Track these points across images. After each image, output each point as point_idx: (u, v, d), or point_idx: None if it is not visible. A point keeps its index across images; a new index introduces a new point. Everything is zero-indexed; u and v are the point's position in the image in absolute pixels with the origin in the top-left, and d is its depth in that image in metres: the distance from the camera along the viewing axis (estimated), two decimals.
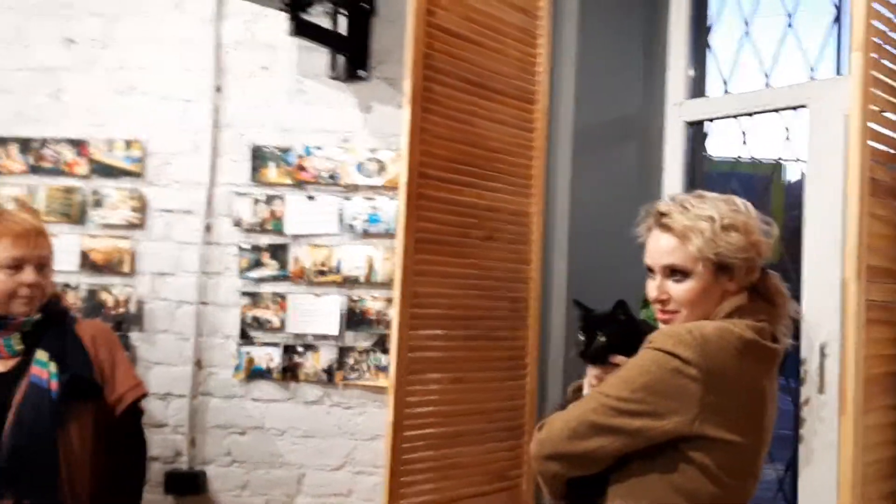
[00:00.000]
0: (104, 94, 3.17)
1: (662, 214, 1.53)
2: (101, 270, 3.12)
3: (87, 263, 3.12)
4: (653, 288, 1.54)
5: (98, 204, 3.14)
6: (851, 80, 1.72)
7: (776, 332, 1.49)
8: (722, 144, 3.53)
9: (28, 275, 1.95)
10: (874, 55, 1.78)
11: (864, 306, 1.69)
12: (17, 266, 1.95)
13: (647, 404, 1.40)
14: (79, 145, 3.16)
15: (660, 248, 1.52)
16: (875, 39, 1.78)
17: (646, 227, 1.57)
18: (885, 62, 1.85)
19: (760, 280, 1.53)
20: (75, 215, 3.14)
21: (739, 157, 3.40)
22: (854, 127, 1.70)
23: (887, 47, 1.86)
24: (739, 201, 1.53)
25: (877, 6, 1.80)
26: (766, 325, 1.47)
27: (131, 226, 3.13)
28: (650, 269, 1.55)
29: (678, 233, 1.49)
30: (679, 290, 1.50)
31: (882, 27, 1.81)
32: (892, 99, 1.87)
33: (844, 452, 1.68)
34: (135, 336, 3.10)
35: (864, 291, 1.69)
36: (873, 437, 1.75)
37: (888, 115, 1.88)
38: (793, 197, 3.81)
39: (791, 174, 4.23)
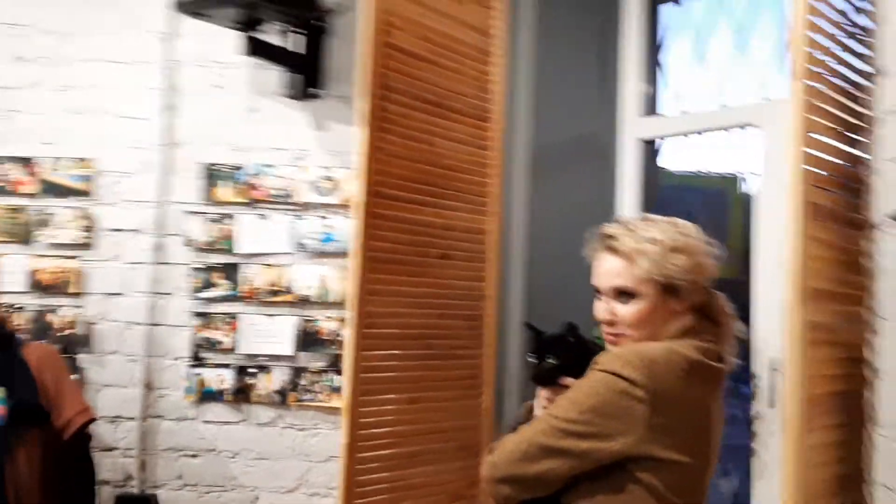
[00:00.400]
0: (54, 113, 3.13)
1: (609, 237, 1.54)
2: (49, 291, 3.07)
3: (35, 284, 3.06)
4: (600, 309, 1.55)
5: (46, 223, 3.09)
6: (791, 108, 1.75)
7: (722, 351, 1.51)
8: (680, 159, 3.60)
9: None
10: (814, 83, 1.81)
11: (806, 328, 1.71)
12: None
13: (595, 426, 1.40)
14: (27, 164, 3.10)
15: (607, 270, 1.53)
16: (814, 68, 1.81)
17: (592, 250, 1.58)
18: (825, 90, 1.88)
19: (706, 300, 1.54)
20: (23, 235, 3.09)
21: (699, 171, 3.45)
22: (793, 153, 1.73)
23: (827, 75, 1.89)
24: (684, 223, 1.55)
25: (815, 35, 1.83)
26: (712, 345, 1.49)
27: (80, 246, 3.08)
28: (598, 291, 1.56)
29: (625, 255, 1.50)
30: (626, 311, 1.51)
31: (822, 56, 1.84)
32: (832, 125, 1.91)
33: (788, 472, 1.69)
34: (83, 358, 3.05)
35: (806, 313, 1.71)
36: (816, 455, 1.77)
37: (828, 140, 1.91)
38: (748, 206, 3.86)
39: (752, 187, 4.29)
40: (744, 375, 3.11)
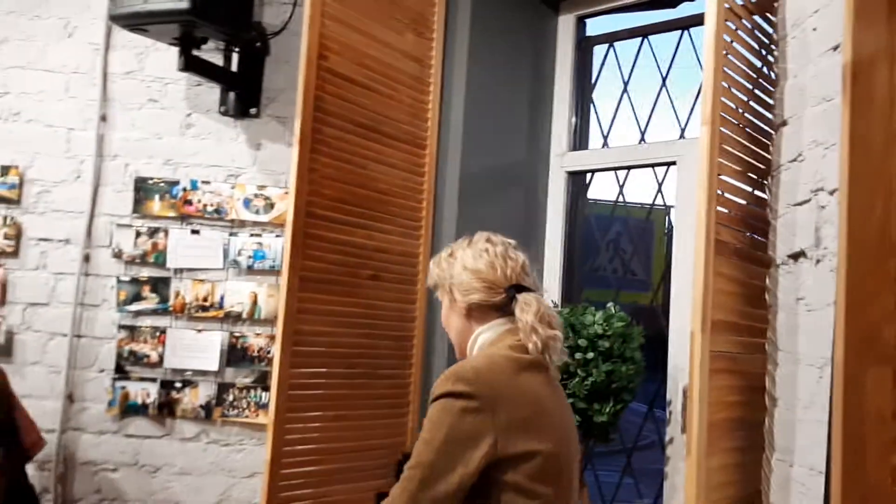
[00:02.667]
0: None
1: None
2: None
3: None
4: None
5: None
6: (701, 150, 1.89)
7: (534, 343, 1.62)
8: (609, 190, 3.73)
9: None
10: (724, 129, 1.95)
11: (708, 357, 1.84)
12: None
13: (456, 455, 1.49)
14: None
15: None
16: (723, 114, 1.96)
17: None
18: (733, 135, 2.03)
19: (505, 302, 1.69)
20: None
21: (619, 201, 3.59)
22: (703, 192, 1.86)
23: (735, 122, 2.04)
24: (485, 237, 1.78)
25: (726, 84, 1.98)
26: (520, 341, 1.63)
27: (4, 254, 3.04)
28: None
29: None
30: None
31: (729, 103, 1.99)
32: (739, 168, 2.05)
33: (689, 493, 1.81)
34: (3, 367, 2.98)
35: (709, 343, 1.84)
36: (716, 477, 1.89)
37: (735, 182, 2.06)
38: (668, 239, 4.02)
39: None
40: (660, 401, 3.26)
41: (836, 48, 1.79)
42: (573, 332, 2.84)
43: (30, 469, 2.94)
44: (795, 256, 1.89)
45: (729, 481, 1.94)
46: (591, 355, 2.79)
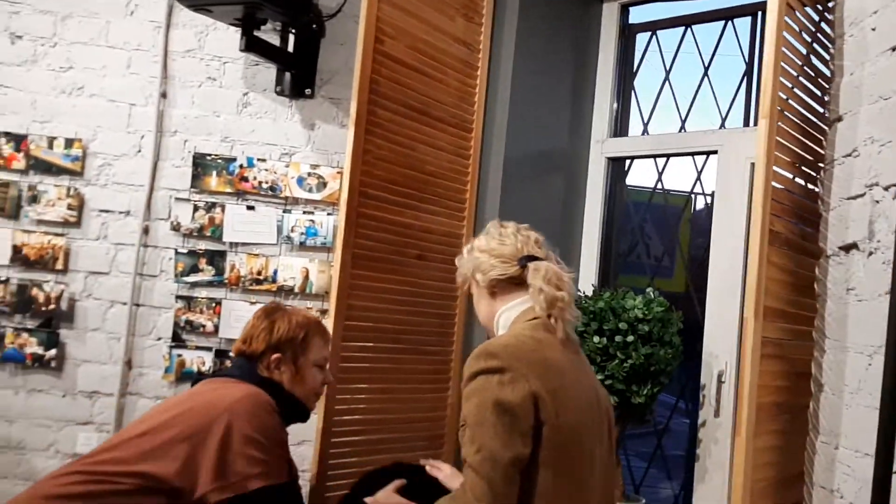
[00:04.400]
0: (49, 92, 3.18)
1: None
2: (33, 266, 3.12)
3: (19, 258, 3.12)
4: None
5: (34, 199, 3.14)
6: (757, 145, 1.96)
7: (540, 303, 1.73)
8: (641, 175, 3.79)
9: None
10: (779, 123, 2.02)
11: (759, 342, 1.92)
12: None
13: (510, 425, 1.56)
14: (18, 140, 3.15)
15: None
16: (780, 108, 2.03)
17: None
18: (788, 129, 2.10)
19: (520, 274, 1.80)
20: (9, 209, 3.14)
21: (657, 188, 3.65)
22: (759, 187, 1.93)
23: (791, 116, 2.11)
24: (496, 224, 1.90)
25: (783, 79, 2.05)
26: (540, 321, 1.72)
27: (67, 223, 3.14)
28: None
29: None
30: None
31: (786, 97, 2.06)
32: (791, 160, 2.13)
33: (737, 471, 1.89)
34: (64, 333, 3.11)
35: (760, 330, 1.92)
36: (761, 457, 1.98)
37: (789, 175, 2.13)
38: (696, 226, 4.06)
39: (697, 204, 4.48)
40: (690, 387, 3.34)
41: (894, 49, 1.85)
42: (613, 316, 2.92)
43: (84, 430, 3.08)
44: (847, 248, 1.96)
45: (773, 462, 2.03)
46: (630, 338, 2.87)
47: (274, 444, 2.07)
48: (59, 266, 3.12)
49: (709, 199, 3.47)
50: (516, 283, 1.78)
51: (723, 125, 3.44)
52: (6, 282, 3.11)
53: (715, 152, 3.31)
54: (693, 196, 3.73)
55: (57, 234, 3.14)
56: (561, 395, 1.62)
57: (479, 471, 1.55)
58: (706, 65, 3.55)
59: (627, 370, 2.85)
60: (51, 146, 3.16)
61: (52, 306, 3.10)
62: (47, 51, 3.19)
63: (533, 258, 1.79)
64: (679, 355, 2.97)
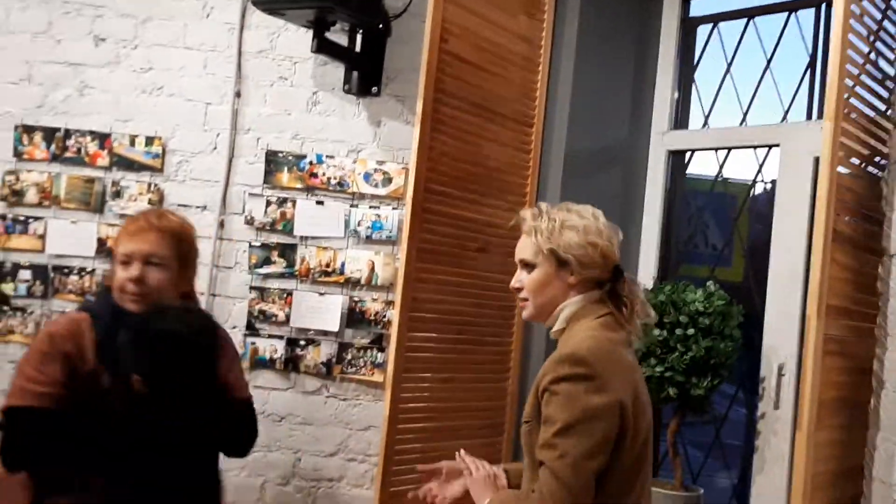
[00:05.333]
0: (129, 92, 3.34)
1: (520, 219, 1.83)
2: None
3: (104, 250, 3.28)
4: (514, 279, 1.82)
5: (117, 195, 3.31)
6: (823, 147, 1.99)
7: (629, 331, 1.73)
8: (700, 164, 3.79)
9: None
10: (843, 124, 2.05)
11: (822, 339, 1.96)
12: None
13: (595, 433, 1.57)
14: (102, 138, 3.32)
15: (519, 246, 1.81)
16: (845, 110, 2.05)
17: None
18: (853, 129, 2.12)
19: (616, 282, 1.75)
20: (94, 204, 3.31)
21: (720, 177, 3.65)
22: (824, 186, 1.97)
23: (856, 117, 2.13)
24: (591, 211, 1.78)
25: (848, 81, 2.07)
26: (610, 317, 1.72)
27: None
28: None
29: (526, 232, 1.79)
30: (526, 279, 1.78)
31: (853, 101, 2.08)
32: (856, 160, 2.15)
33: (798, 464, 1.94)
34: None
35: (823, 327, 1.96)
36: (822, 451, 2.02)
37: (851, 174, 2.15)
38: (755, 214, 4.04)
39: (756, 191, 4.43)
40: (748, 377, 3.36)
41: None
42: (674, 309, 2.96)
43: None
44: None
45: (833, 455, 2.07)
46: (690, 331, 2.91)
47: (25, 365, 1.91)
48: None
49: (768, 187, 3.47)
50: (598, 284, 1.74)
51: (785, 118, 3.43)
52: (92, 272, 3.29)
53: (777, 145, 3.31)
54: (752, 184, 3.73)
55: None
56: (637, 398, 1.65)
57: (561, 476, 1.55)
58: (769, 57, 3.54)
59: (687, 362, 2.89)
60: (132, 144, 3.32)
61: None
62: (129, 52, 3.35)
63: (620, 268, 1.77)
64: (739, 348, 2.99)
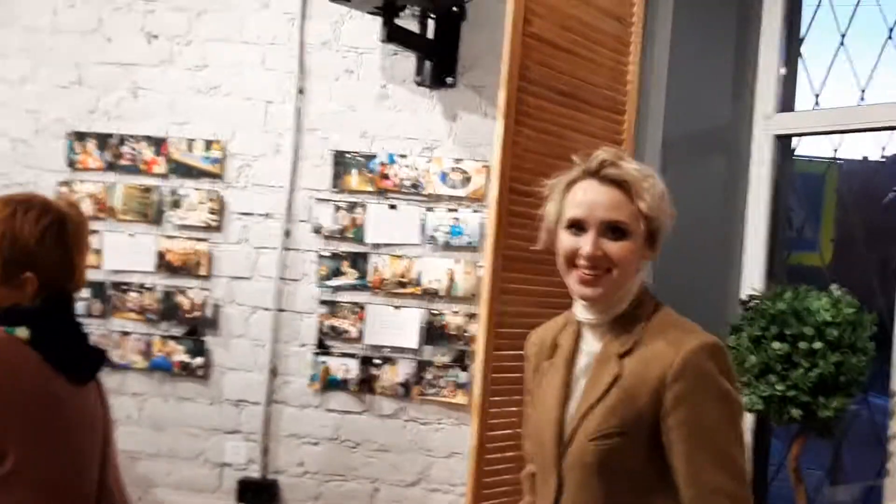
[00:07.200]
0: (185, 92, 3.12)
1: (611, 164, 1.38)
2: (177, 272, 3.08)
3: (163, 264, 3.08)
4: (585, 243, 1.38)
5: (176, 205, 3.09)
6: None
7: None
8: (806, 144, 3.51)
9: None
10: None
11: None
12: None
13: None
14: (158, 144, 3.11)
15: (602, 201, 1.37)
16: None
17: (568, 180, 1.44)
18: None
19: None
20: (152, 215, 3.10)
21: (835, 159, 3.36)
22: None
23: None
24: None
25: None
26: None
27: (209, 228, 3.08)
28: (575, 224, 1.42)
29: (627, 187, 1.37)
30: (617, 248, 1.36)
31: None
32: None
33: None
34: (210, 340, 3.06)
35: None
36: None
37: None
38: (840, 196, 3.76)
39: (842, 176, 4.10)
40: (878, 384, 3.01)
41: None
42: (797, 320, 2.64)
43: (233, 438, 3.03)
44: None
45: None
46: (817, 345, 2.58)
47: None
48: (203, 272, 3.07)
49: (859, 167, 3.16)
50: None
51: None
52: (152, 289, 3.08)
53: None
54: (835, 162, 3.41)
55: (199, 240, 3.08)
56: None
57: (741, 485, 1.32)
58: (891, 27, 3.17)
59: (814, 380, 2.57)
60: (190, 148, 3.10)
61: (196, 313, 3.06)
62: (182, 49, 3.12)
63: None
64: (871, 362, 2.66)
